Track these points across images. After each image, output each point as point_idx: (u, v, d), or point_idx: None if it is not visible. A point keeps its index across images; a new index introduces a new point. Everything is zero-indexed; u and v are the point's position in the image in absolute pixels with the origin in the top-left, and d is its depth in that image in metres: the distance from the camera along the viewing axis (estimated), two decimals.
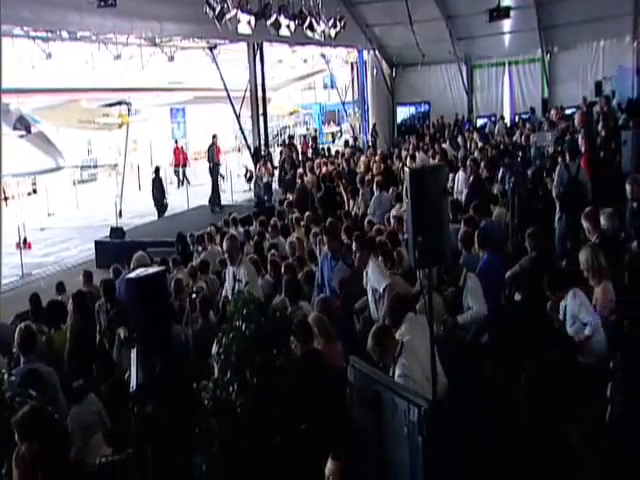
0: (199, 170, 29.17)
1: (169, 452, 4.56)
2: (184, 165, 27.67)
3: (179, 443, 4.62)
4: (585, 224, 7.35)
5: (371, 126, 27.36)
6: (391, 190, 12.86)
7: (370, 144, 25.51)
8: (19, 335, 6.01)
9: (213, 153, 20.45)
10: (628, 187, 7.88)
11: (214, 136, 20.67)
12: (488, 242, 7.59)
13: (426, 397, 3.96)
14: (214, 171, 20.22)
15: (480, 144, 17.40)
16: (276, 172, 20.75)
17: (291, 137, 27.41)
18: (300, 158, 21.95)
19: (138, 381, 4.32)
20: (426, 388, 4.56)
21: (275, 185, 20.45)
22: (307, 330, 5.48)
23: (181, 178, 27.38)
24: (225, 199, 20.75)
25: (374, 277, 6.86)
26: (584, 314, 6.00)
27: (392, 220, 9.93)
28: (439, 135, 24.00)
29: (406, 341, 4.91)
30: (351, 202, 14.11)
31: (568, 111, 21.24)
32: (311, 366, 4.99)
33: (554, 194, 9.96)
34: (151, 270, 5.09)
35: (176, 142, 28.89)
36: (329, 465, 3.50)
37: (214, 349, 4.60)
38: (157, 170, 21.22)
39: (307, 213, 12.36)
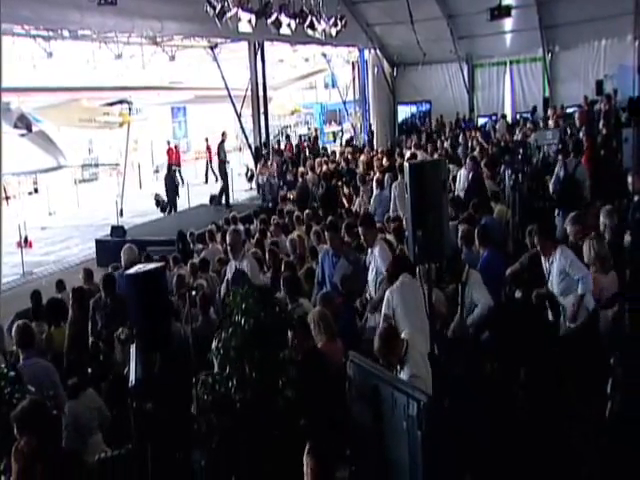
0: (199, 169, 29.24)
1: (168, 448, 4.55)
2: (178, 165, 27.74)
3: (178, 439, 4.62)
4: (570, 228, 7.37)
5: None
6: (387, 177, 12.94)
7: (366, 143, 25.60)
8: (17, 333, 6.05)
9: (222, 150, 20.34)
10: (630, 179, 7.90)
11: (223, 133, 20.60)
12: (488, 239, 7.59)
13: (426, 392, 3.94)
14: (222, 169, 20.11)
15: (483, 142, 17.44)
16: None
17: (287, 137, 27.40)
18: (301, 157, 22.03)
19: (137, 376, 4.31)
20: (428, 382, 4.56)
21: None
22: (307, 328, 5.47)
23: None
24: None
25: (381, 259, 6.90)
26: (576, 270, 6.19)
27: (392, 224, 9.93)
28: (439, 134, 23.98)
29: (408, 339, 4.90)
30: (354, 199, 14.13)
31: (570, 110, 21.25)
32: (311, 365, 4.97)
33: (551, 191, 10.01)
34: (150, 266, 5.09)
35: (169, 143, 29.13)
36: (305, 460, 3.51)
37: (214, 344, 4.60)
38: (169, 167, 21.43)
39: (307, 211, 12.39)
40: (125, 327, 6.79)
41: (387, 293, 6.13)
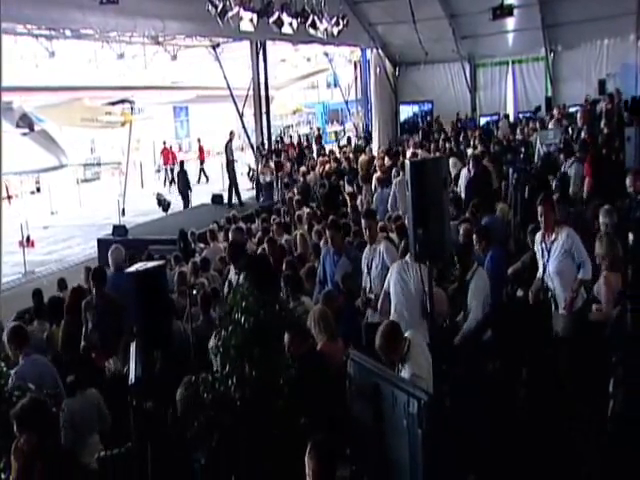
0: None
1: (168, 447, 4.54)
2: (173, 164, 27.98)
3: (178, 438, 4.61)
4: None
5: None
6: (394, 171, 13.01)
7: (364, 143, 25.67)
8: (10, 335, 6.08)
9: (230, 150, 20.31)
10: (628, 181, 7.89)
11: (231, 133, 20.61)
12: (492, 239, 7.55)
13: (426, 390, 3.93)
14: (230, 168, 20.10)
15: (485, 140, 17.46)
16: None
17: (282, 139, 27.44)
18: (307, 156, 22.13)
19: (137, 375, 4.30)
20: (430, 383, 4.55)
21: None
22: (304, 331, 5.44)
23: (169, 177, 27.67)
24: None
25: (388, 255, 6.96)
26: (581, 253, 6.19)
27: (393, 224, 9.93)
28: (439, 133, 23.94)
29: (411, 337, 4.89)
30: (358, 197, 14.14)
31: (572, 109, 21.21)
32: (310, 365, 4.95)
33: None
34: (151, 264, 5.08)
35: (164, 143, 29.38)
36: (306, 461, 3.48)
37: (212, 342, 4.59)
38: (182, 164, 21.69)
39: (307, 210, 12.39)
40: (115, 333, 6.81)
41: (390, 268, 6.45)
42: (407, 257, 6.27)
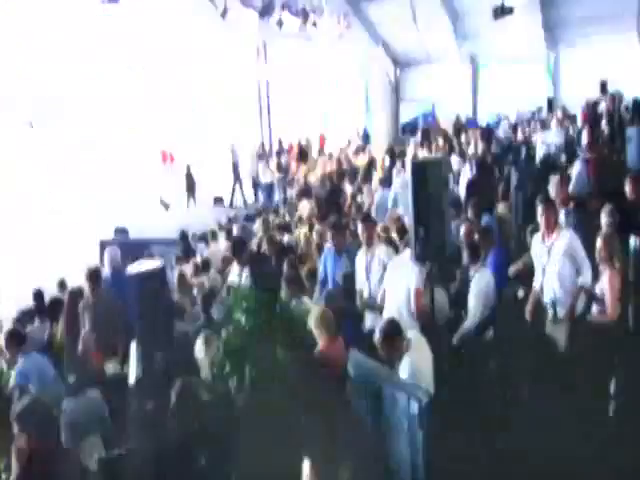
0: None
1: (168, 446, 4.54)
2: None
3: (178, 438, 4.61)
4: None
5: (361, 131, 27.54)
6: (394, 171, 13.02)
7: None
8: (9, 336, 6.13)
9: (234, 151, 20.32)
10: (627, 187, 7.87)
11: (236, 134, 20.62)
12: (493, 239, 7.54)
13: (427, 391, 3.93)
14: (234, 169, 20.12)
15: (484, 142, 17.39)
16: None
17: (279, 141, 27.43)
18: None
19: (137, 375, 4.31)
20: (430, 382, 4.54)
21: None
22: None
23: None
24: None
25: (388, 259, 6.88)
26: (583, 258, 6.02)
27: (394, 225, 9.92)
28: (439, 135, 23.93)
29: (412, 337, 4.89)
30: (358, 197, 14.15)
31: (573, 109, 21.22)
32: (310, 367, 4.94)
33: None
34: (152, 265, 5.08)
35: None
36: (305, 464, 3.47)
37: (198, 345, 4.59)
38: (188, 167, 21.86)
39: (308, 210, 12.40)
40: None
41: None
42: (403, 253, 6.23)
